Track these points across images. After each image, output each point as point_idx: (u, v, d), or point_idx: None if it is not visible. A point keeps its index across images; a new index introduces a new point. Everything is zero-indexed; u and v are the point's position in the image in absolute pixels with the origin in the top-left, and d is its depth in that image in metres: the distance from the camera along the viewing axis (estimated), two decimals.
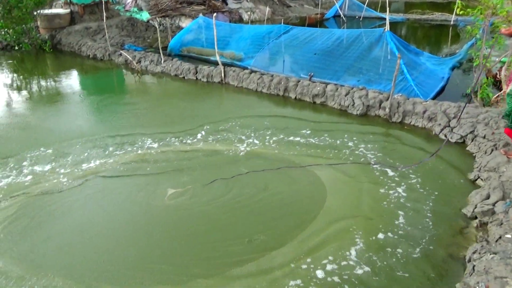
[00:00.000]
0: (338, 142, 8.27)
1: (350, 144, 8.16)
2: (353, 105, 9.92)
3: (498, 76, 10.60)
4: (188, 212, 6.14)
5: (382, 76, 11.23)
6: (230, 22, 22.02)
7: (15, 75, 15.90)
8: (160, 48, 15.42)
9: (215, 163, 7.62)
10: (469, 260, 4.86)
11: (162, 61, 15.12)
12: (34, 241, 5.59)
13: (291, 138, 8.54)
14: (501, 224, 5.23)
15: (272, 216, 5.99)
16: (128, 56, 16.17)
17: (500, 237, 4.96)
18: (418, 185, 6.65)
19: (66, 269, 5.06)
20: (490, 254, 4.66)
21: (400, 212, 5.94)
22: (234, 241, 5.45)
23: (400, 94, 9.59)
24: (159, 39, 15.60)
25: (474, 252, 4.91)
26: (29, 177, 7.24)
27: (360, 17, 26.04)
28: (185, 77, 13.98)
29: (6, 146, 8.61)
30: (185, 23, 20.77)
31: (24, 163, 7.73)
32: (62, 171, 7.43)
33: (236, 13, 24.55)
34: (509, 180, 6.01)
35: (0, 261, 5.21)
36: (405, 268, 4.90)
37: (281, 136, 8.62)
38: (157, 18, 20.93)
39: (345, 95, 10.20)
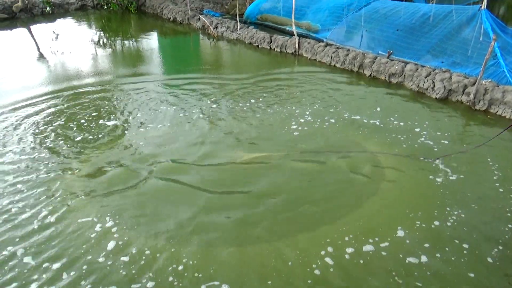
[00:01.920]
0: (407, 125, 7.95)
1: (417, 130, 7.80)
2: (432, 87, 9.33)
3: None
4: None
5: (470, 59, 10.31)
6: None
7: (102, 32, 17.13)
8: (237, 15, 15.56)
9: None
10: None
11: (238, 28, 15.29)
12: None
13: (357, 117, 8.38)
14: None
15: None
16: (206, 21, 16.56)
17: None
18: (495, 178, 6.22)
19: None
20: None
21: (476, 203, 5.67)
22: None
23: (489, 80, 8.81)
24: (237, 5, 15.74)
25: None
26: None
27: None
28: (259, 46, 14.05)
29: None
30: None
31: None
32: None
33: None
34: None
35: None
36: (469, 259, 4.74)
37: (346, 115, 8.51)
38: None
39: (425, 77, 9.60)
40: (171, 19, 18.81)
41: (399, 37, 12.09)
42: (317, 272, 4.64)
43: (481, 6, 10.42)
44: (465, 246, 4.97)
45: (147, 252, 4.95)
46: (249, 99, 9.39)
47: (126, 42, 15.76)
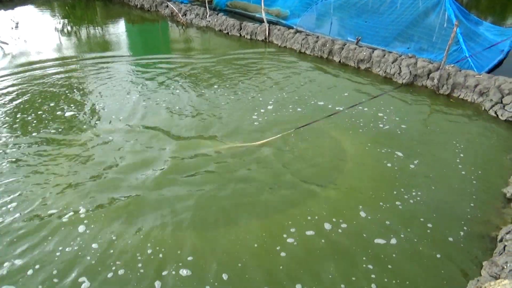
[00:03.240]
0: (371, 110, 8.07)
1: (380, 114, 7.93)
2: (399, 73, 9.50)
3: None
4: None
5: (435, 45, 10.57)
6: None
7: (65, 20, 16.43)
8: (206, 1, 15.26)
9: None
10: (501, 240, 4.74)
11: (208, 16, 15.01)
12: None
13: (322, 103, 8.45)
14: None
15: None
16: (175, 8, 16.17)
17: None
18: (458, 160, 6.43)
19: None
20: None
21: (438, 184, 5.83)
22: None
23: (452, 65, 9.04)
24: None
25: (508, 233, 4.77)
26: None
27: None
28: (229, 33, 13.87)
29: None
30: None
31: None
32: None
33: None
34: None
35: None
36: (433, 241, 4.89)
37: (313, 102, 8.54)
38: None
39: (392, 62, 9.76)
40: (138, 6, 18.26)
41: (367, 24, 12.23)
42: (282, 254, 4.66)
43: None
44: (429, 225, 5.10)
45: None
46: (211, 87, 9.30)
47: (91, 29, 15.18)
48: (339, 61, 10.90)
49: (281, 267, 4.51)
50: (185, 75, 10.06)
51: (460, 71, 8.86)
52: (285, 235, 4.96)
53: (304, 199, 5.58)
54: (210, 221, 5.19)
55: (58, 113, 8.00)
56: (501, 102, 7.87)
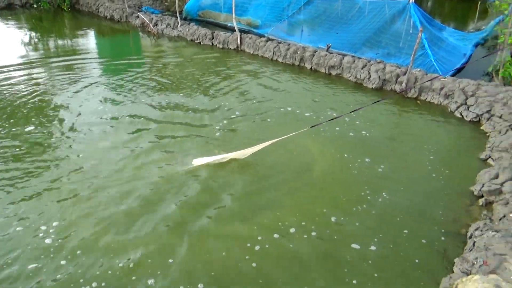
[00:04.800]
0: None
1: (347, 119, 7.98)
2: (369, 78, 9.74)
3: None
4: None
5: (402, 50, 10.91)
6: None
7: (33, 33, 16.00)
8: (177, 11, 15.23)
9: None
10: (470, 237, 4.90)
11: (179, 25, 14.97)
12: None
13: (290, 109, 8.54)
14: (507, 203, 5.21)
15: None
16: (145, 19, 16.04)
17: (504, 216, 4.96)
18: (428, 162, 6.62)
19: None
20: (492, 232, 4.68)
21: (408, 186, 5.98)
22: None
23: (419, 69, 9.35)
24: (176, 2, 15.39)
25: (476, 229, 4.93)
26: None
27: None
28: (201, 43, 13.86)
29: None
30: None
31: None
32: None
33: None
34: None
35: None
36: (406, 240, 4.99)
37: (282, 109, 8.62)
38: None
39: (362, 68, 10.00)
40: (108, 17, 18.01)
41: (337, 31, 12.53)
42: (254, 264, 4.63)
43: (409, 0, 11.02)
44: (402, 227, 5.20)
45: None
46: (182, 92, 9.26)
47: (59, 41, 14.83)
48: (311, 68, 11.08)
49: (252, 277, 4.47)
50: (156, 84, 9.96)
51: (426, 74, 9.17)
52: (249, 244, 4.91)
53: (273, 207, 5.56)
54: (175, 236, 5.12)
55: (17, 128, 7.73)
56: (466, 104, 8.19)
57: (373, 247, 4.86)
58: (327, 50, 11.33)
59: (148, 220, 5.28)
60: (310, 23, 13.91)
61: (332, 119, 6.84)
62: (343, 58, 10.55)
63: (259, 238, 4.99)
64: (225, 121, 8.00)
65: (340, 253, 4.79)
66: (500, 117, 7.45)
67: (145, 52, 13.68)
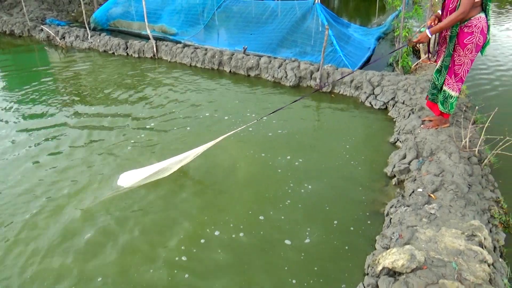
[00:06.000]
0: (258, 116, 8.40)
1: (265, 119, 8.05)
2: (286, 76, 10.13)
3: (417, 45, 11.33)
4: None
5: (314, 48, 11.50)
6: None
7: None
8: (86, 22, 14.44)
9: None
10: (387, 214, 5.33)
11: (89, 37, 14.19)
12: None
13: (208, 114, 8.57)
14: (415, 180, 5.77)
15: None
16: (51, 32, 14.95)
17: (413, 191, 5.47)
18: (344, 152, 7.06)
19: None
20: (404, 207, 5.15)
21: (329, 176, 6.32)
22: None
23: (330, 65, 9.95)
24: (83, 12, 14.60)
25: (391, 207, 5.38)
26: None
27: None
28: (115, 53, 13.30)
29: None
30: None
31: None
32: None
33: None
34: (422, 140, 6.59)
35: None
36: (329, 223, 5.27)
37: (201, 116, 8.62)
38: None
39: (278, 67, 10.37)
40: (7, 33, 16.47)
41: (252, 32, 12.84)
42: (186, 275, 4.58)
43: (315, 0, 11.68)
44: (329, 216, 5.48)
45: None
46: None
47: None
48: (230, 71, 11.21)
49: None
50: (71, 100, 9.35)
51: (337, 69, 9.79)
52: (177, 258, 4.78)
53: (198, 212, 5.54)
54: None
55: None
56: (373, 93, 8.90)
57: (307, 240, 5.05)
58: (244, 52, 11.55)
59: None
60: (225, 27, 14.08)
61: (275, 111, 6.69)
62: (260, 59, 10.84)
63: (183, 248, 4.91)
64: (142, 135, 7.75)
65: (275, 251, 4.90)
66: (403, 103, 8.21)
67: (51, 69, 12.73)
